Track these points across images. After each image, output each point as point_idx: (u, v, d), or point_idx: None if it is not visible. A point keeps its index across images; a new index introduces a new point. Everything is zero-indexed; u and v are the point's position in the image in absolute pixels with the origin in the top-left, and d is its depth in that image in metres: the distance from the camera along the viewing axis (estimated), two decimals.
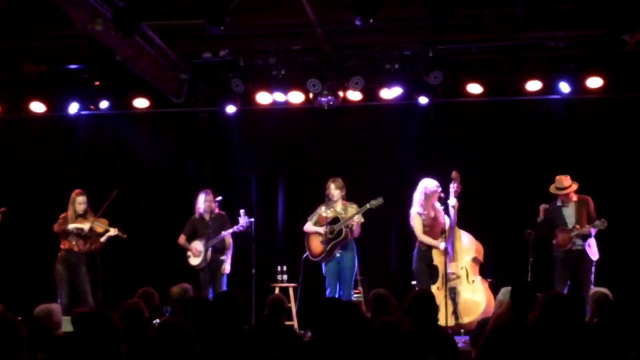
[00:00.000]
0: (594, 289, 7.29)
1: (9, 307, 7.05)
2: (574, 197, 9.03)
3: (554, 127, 10.54)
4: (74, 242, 9.48)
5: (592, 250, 8.93)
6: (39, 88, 10.73)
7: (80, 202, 9.52)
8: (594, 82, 9.83)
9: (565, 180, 9.01)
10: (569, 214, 9.03)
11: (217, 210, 9.85)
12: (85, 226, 9.44)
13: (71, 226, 9.46)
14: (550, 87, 9.96)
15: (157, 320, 7.04)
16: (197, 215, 9.85)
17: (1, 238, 10.35)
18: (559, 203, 9.09)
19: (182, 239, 9.87)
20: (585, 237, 8.91)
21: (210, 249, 9.66)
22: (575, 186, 9.02)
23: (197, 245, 9.74)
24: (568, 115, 10.44)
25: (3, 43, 9.08)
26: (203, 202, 9.77)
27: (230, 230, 9.71)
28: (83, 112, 11.03)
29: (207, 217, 9.79)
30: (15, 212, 10.21)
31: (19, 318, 4.47)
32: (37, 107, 10.87)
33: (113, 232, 9.50)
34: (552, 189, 9.07)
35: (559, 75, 9.78)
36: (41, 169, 11.47)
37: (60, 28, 8.84)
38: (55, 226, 9.54)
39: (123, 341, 3.89)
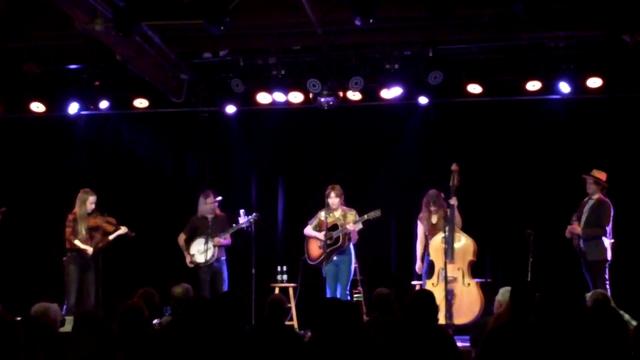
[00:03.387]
0: (592, 291, 7.29)
1: (9, 307, 7.04)
2: (596, 196, 9.09)
3: (554, 127, 10.53)
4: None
5: (592, 251, 8.94)
6: (39, 88, 10.71)
7: (91, 201, 9.59)
8: (594, 82, 9.82)
9: (595, 172, 9.14)
10: (586, 210, 9.11)
11: (218, 212, 9.86)
12: (89, 249, 9.48)
13: (77, 243, 9.47)
14: (550, 87, 9.95)
15: (157, 320, 7.05)
16: (198, 215, 9.87)
17: (1, 238, 10.34)
18: (586, 198, 9.19)
19: (181, 239, 9.88)
20: (586, 239, 8.95)
21: (215, 248, 9.66)
22: (591, 179, 9.08)
23: (199, 243, 9.74)
24: (568, 115, 10.44)
25: (3, 43, 9.08)
26: (204, 205, 9.80)
27: (238, 227, 9.76)
28: (83, 112, 11.03)
29: (209, 217, 9.80)
30: (15, 212, 10.22)
31: (18, 318, 4.47)
32: (37, 107, 10.85)
33: (123, 230, 9.67)
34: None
35: (559, 75, 9.78)
36: (41, 169, 11.47)
37: (60, 28, 8.83)
38: (67, 231, 9.53)
39: (117, 343, 3.91)
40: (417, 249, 9.62)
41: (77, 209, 9.59)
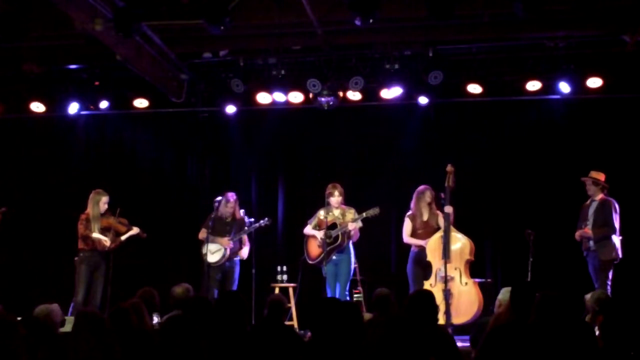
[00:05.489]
0: (593, 291, 7.28)
1: (9, 307, 7.05)
2: (598, 197, 9.08)
3: (554, 127, 10.54)
4: (97, 243, 9.50)
5: (604, 250, 8.93)
6: (39, 88, 10.73)
7: (104, 202, 9.57)
8: (594, 82, 9.83)
9: (593, 173, 9.12)
10: (591, 213, 9.09)
11: (238, 215, 9.82)
12: (107, 242, 9.46)
13: (96, 235, 9.44)
14: (550, 87, 9.96)
15: (157, 321, 7.03)
16: (218, 213, 9.76)
17: (1, 238, 10.35)
18: (589, 201, 9.17)
19: (204, 233, 9.74)
20: (597, 239, 8.94)
21: (226, 249, 9.62)
22: (589, 180, 9.08)
23: (212, 243, 9.68)
24: (568, 115, 10.44)
25: (3, 43, 9.08)
26: (226, 206, 9.70)
27: (249, 230, 9.71)
28: (83, 112, 11.04)
29: (228, 219, 9.76)
30: (15, 212, 10.22)
31: (19, 318, 4.48)
32: (37, 107, 10.87)
33: (135, 231, 9.65)
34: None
35: (559, 75, 9.78)
36: (41, 169, 11.47)
37: (60, 28, 8.84)
38: (81, 228, 9.49)
39: (117, 343, 3.91)
40: (408, 240, 9.50)
41: (89, 210, 9.55)
